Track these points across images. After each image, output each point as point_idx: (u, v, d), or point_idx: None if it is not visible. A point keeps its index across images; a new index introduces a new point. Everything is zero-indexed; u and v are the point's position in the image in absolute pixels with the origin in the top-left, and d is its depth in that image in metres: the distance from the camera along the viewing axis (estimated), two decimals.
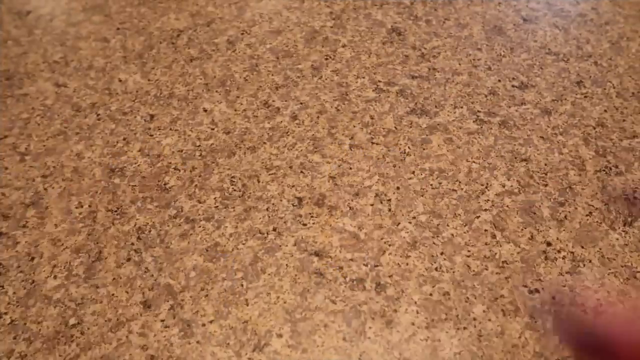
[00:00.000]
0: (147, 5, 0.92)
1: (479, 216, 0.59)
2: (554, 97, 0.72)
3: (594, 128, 0.68)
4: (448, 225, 0.59)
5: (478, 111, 0.71)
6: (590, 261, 0.55)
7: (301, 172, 0.65)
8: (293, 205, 0.61)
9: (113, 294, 0.55)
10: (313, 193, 0.62)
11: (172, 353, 0.50)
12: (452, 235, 0.58)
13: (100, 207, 0.62)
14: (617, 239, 0.57)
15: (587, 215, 0.59)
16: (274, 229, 0.59)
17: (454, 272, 0.55)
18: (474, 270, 0.55)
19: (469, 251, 0.56)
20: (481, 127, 0.69)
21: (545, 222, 0.59)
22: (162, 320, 0.53)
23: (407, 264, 0.56)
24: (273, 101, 0.73)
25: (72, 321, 0.53)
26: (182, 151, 0.68)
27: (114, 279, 0.56)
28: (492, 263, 0.55)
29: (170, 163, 0.67)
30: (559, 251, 0.56)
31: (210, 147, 0.68)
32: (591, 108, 0.71)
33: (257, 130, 0.70)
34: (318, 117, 0.71)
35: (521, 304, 0.52)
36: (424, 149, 0.66)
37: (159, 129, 0.71)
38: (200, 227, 0.60)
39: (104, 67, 0.80)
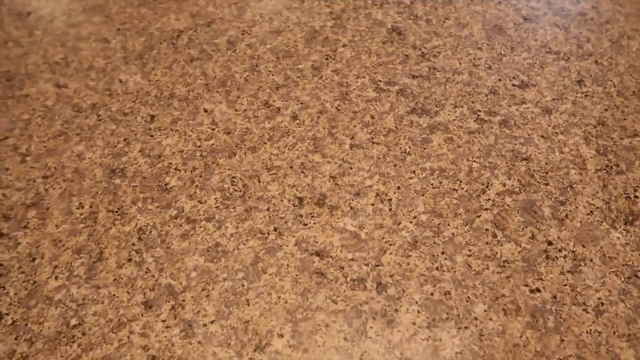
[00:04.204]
0: (148, 6, 0.92)
1: (480, 215, 0.59)
2: (555, 96, 0.72)
3: (595, 127, 0.68)
4: (449, 225, 0.59)
5: (478, 110, 0.71)
6: (591, 260, 0.55)
7: (302, 172, 0.65)
8: (294, 205, 0.61)
9: (114, 295, 0.55)
10: (314, 193, 0.62)
11: (174, 353, 0.50)
12: (453, 234, 0.58)
13: (101, 208, 0.63)
14: (618, 238, 0.57)
15: (588, 214, 0.59)
16: (275, 229, 0.59)
17: (455, 271, 0.55)
18: (475, 270, 0.55)
19: (469, 250, 0.56)
20: (482, 127, 0.69)
21: (546, 221, 0.59)
22: (163, 321, 0.53)
23: (408, 264, 0.56)
24: (273, 101, 0.73)
25: (73, 322, 0.53)
26: (182, 151, 0.68)
27: (115, 279, 0.56)
28: (493, 262, 0.55)
29: (170, 163, 0.67)
30: (560, 250, 0.56)
31: (210, 147, 0.68)
32: (592, 107, 0.71)
33: (257, 130, 0.70)
34: (318, 117, 0.71)
35: (522, 303, 0.52)
36: (424, 149, 0.66)
37: (160, 130, 0.71)
38: (201, 227, 0.60)
39: (105, 68, 0.81)
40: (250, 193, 0.63)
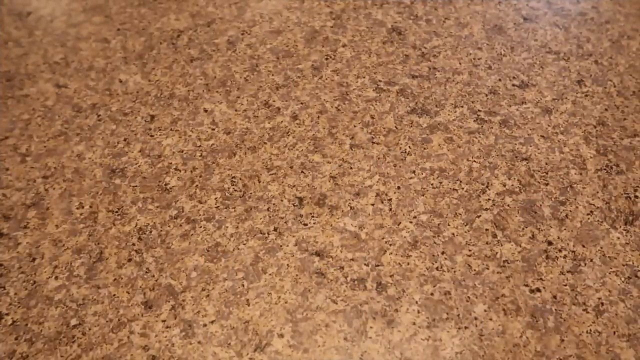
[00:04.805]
0: (148, 6, 0.92)
1: (480, 215, 0.59)
2: (555, 96, 0.72)
3: (595, 127, 0.68)
4: (449, 225, 0.59)
5: (478, 110, 0.71)
6: (591, 260, 0.55)
7: (302, 172, 0.65)
8: (294, 205, 0.61)
9: (114, 295, 0.55)
10: (314, 193, 0.62)
11: (174, 353, 0.50)
12: (453, 234, 0.58)
13: (101, 208, 0.63)
14: (618, 238, 0.57)
15: (588, 214, 0.59)
16: (275, 229, 0.59)
17: (455, 271, 0.55)
18: (475, 270, 0.55)
19: (469, 250, 0.56)
20: (482, 127, 0.69)
21: (546, 221, 0.59)
22: (164, 321, 0.53)
23: (408, 264, 0.56)
24: (273, 101, 0.73)
25: (73, 322, 0.53)
26: (182, 151, 0.68)
27: (115, 279, 0.56)
28: (493, 262, 0.55)
29: (170, 163, 0.67)
30: (560, 250, 0.56)
31: (210, 147, 0.68)
32: (592, 107, 0.71)
33: (257, 130, 0.70)
34: (318, 117, 0.71)
35: (522, 303, 0.52)
36: (424, 149, 0.66)
37: (160, 130, 0.71)
38: (201, 227, 0.60)
39: (105, 68, 0.81)
40: (250, 193, 0.63)
